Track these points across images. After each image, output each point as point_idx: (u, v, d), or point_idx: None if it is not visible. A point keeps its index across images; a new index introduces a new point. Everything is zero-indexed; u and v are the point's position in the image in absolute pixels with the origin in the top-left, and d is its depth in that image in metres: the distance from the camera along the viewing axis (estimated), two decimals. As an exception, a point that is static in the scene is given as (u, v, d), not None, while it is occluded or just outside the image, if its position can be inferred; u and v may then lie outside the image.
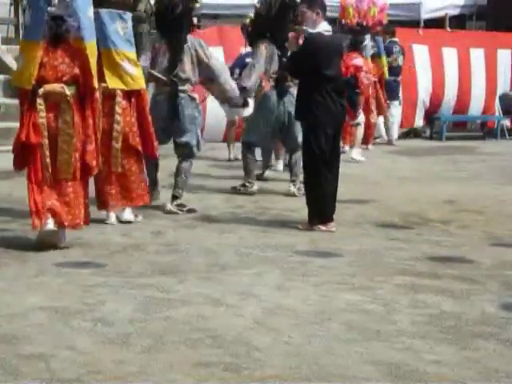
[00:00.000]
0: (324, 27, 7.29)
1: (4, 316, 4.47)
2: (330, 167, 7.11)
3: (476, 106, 16.98)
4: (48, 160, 6.06)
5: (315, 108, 7.07)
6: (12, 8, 15.36)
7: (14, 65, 12.85)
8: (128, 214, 7.16)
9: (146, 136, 7.10)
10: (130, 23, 7.08)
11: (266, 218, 7.60)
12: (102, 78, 6.73)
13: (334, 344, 4.16)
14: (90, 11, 6.14)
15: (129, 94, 7.00)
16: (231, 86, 8.14)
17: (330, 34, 7.41)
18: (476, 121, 17.77)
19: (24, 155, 6.13)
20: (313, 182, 7.14)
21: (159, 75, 7.76)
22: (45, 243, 6.10)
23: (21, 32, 14.61)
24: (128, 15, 7.08)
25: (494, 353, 4.12)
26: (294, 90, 8.25)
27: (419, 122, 16.46)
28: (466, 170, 11.53)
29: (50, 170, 6.07)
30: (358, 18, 14.30)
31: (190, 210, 7.73)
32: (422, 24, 17.02)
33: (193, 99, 7.82)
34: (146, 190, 7.23)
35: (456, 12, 17.86)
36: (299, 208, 8.03)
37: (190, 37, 7.89)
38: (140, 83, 7.04)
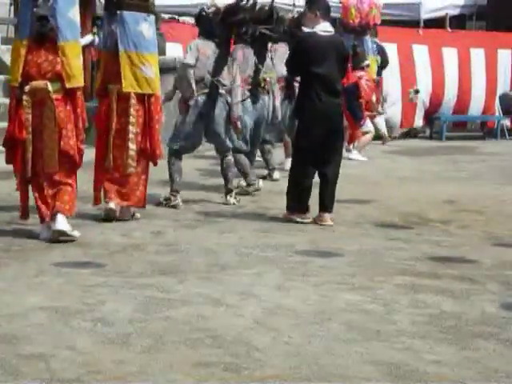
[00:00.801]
0: (323, 27, 7.35)
1: (4, 316, 4.47)
2: (316, 163, 7.33)
3: (476, 106, 16.99)
4: (29, 155, 6.28)
5: (304, 105, 7.33)
6: (12, 8, 15.38)
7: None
8: (126, 214, 7.24)
9: (152, 140, 7.17)
10: (153, 26, 7.25)
11: (265, 217, 7.60)
12: (117, 79, 6.97)
13: (334, 344, 4.16)
14: (72, 12, 6.32)
15: (143, 97, 7.09)
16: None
17: (330, 34, 7.42)
18: (476, 121, 17.78)
19: (12, 150, 6.40)
20: (295, 173, 7.43)
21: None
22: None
23: (20, 32, 14.64)
24: (151, 18, 7.22)
25: (494, 353, 4.12)
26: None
27: (419, 122, 16.47)
28: (465, 170, 11.53)
29: (37, 164, 6.30)
30: (360, 18, 14.34)
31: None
32: (421, 24, 17.03)
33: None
34: (145, 194, 7.27)
35: (456, 12, 17.87)
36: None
37: None
38: (155, 87, 7.14)
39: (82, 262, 5.78)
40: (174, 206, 7.88)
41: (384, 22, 15.32)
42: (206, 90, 8.09)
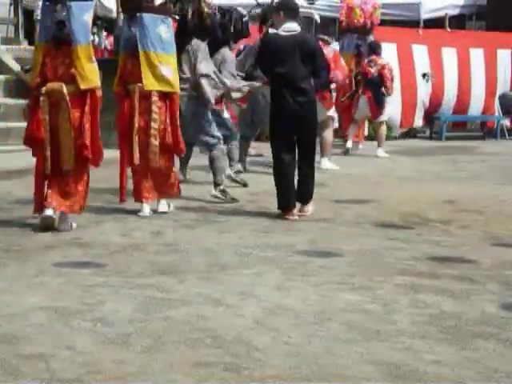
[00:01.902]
0: (286, 27, 7.56)
1: (4, 316, 4.47)
2: (289, 160, 7.54)
3: (476, 106, 17.01)
4: (48, 153, 6.62)
5: (273, 104, 7.62)
6: (12, 8, 15.38)
7: (14, 65, 12.86)
8: (163, 206, 7.63)
9: (174, 135, 7.49)
10: (171, 28, 7.56)
11: (265, 217, 7.60)
12: (139, 79, 7.31)
13: (333, 344, 4.16)
14: (86, 16, 6.61)
15: (163, 95, 7.40)
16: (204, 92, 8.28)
17: (292, 33, 7.54)
18: (476, 121, 17.79)
19: (33, 147, 6.83)
20: (274, 172, 7.69)
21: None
22: (44, 226, 6.65)
23: (20, 32, 14.65)
24: (169, 20, 7.54)
25: (493, 353, 4.12)
26: None
27: (418, 122, 16.48)
28: (465, 170, 11.54)
29: (53, 162, 6.62)
30: (364, 18, 14.42)
31: (233, 200, 8.33)
32: (421, 24, 17.05)
33: (193, 97, 8.16)
34: (178, 184, 7.69)
35: (456, 12, 17.90)
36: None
37: (194, 40, 8.21)
38: (175, 86, 7.45)
39: (82, 261, 5.78)
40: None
41: (384, 22, 15.35)
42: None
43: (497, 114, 17.18)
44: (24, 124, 11.79)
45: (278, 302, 4.87)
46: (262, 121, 9.70)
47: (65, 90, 6.55)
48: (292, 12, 7.68)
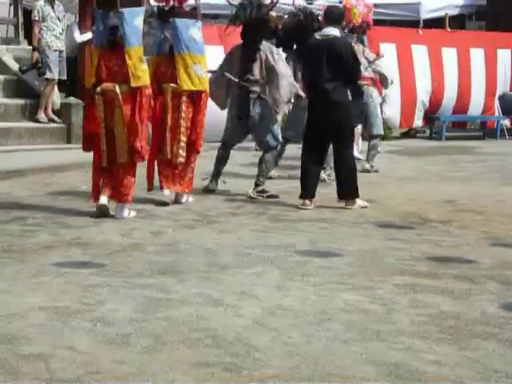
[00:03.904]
0: (323, 31, 8.20)
1: (3, 316, 4.47)
2: (313, 158, 8.13)
3: (476, 106, 16.98)
4: (104, 147, 7.26)
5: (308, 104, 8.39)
6: (12, 8, 15.37)
7: (14, 65, 12.84)
8: (184, 198, 8.20)
9: (195, 132, 8.05)
10: (201, 30, 8.11)
11: (265, 217, 7.60)
12: (171, 79, 7.93)
13: (333, 344, 4.16)
14: (137, 20, 7.22)
15: (193, 94, 7.99)
16: (280, 94, 8.57)
17: (326, 37, 8.07)
18: (476, 121, 17.77)
19: (89, 141, 7.45)
20: (301, 164, 8.27)
21: (231, 77, 8.62)
22: (100, 213, 7.31)
23: (20, 32, 14.64)
24: (199, 23, 8.12)
25: (493, 353, 4.12)
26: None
27: (418, 122, 16.46)
28: (465, 170, 11.53)
29: (108, 155, 7.24)
30: (362, 18, 14.43)
31: (272, 196, 8.61)
32: (421, 24, 17.03)
33: (262, 99, 8.57)
34: (192, 180, 8.22)
35: (455, 12, 17.87)
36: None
37: (263, 42, 8.67)
38: (205, 85, 8.07)
39: (82, 261, 5.78)
40: (210, 190, 8.76)
41: (384, 22, 15.33)
42: (238, 91, 8.63)
43: (497, 114, 17.16)
44: (23, 124, 11.92)
45: (278, 302, 4.87)
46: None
47: (118, 89, 7.14)
48: (330, 17, 8.23)
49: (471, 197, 9.08)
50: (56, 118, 12.16)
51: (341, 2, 15.01)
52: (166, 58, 7.99)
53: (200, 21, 8.17)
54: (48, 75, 11.98)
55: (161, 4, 8.14)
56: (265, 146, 8.79)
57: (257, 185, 8.65)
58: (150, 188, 8.20)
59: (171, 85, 7.91)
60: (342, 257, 6.11)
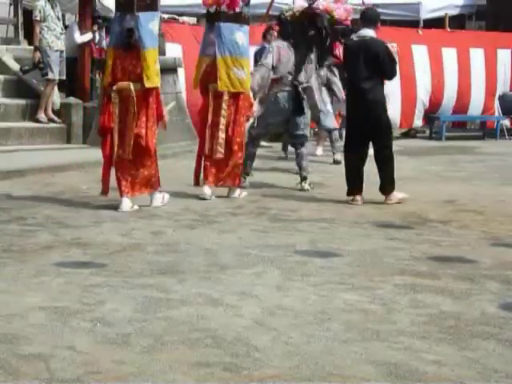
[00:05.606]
0: (359, 33, 8.54)
1: (3, 316, 4.47)
2: (355, 148, 8.51)
3: (476, 106, 16.97)
4: (116, 141, 7.62)
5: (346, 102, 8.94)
6: (12, 8, 15.38)
7: (14, 65, 12.85)
8: (233, 193, 8.60)
9: (234, 130, 8.47)
10: (247, 34, 8.54)
11: (265, 217, 7.60)
12: (214, 80, 8.38)
13: (333, 344, 4.16)
14: (152, 24, 7.55)
15: (234, 94, 8.46)
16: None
17: (362, 38, 8.44)
18: (476, 121, 17.77)
19: (102, 136, 7.79)
20: (344, 161, 8.79)
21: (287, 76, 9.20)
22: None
23: (20, 32, 14.65)
24: (245, 27, 8.53)
25: (493, 353, 4.12)
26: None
27: (418, 122, 16.46)
28: (465, 170, 11.53)
29: (121, 150, 7.62)
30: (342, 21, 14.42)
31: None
32: (421, 24, 17.03)
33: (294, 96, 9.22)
34: (239, 175, 8.68)
35: (455, 12, 17.87)
36: (299, 208, 8.05)
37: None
38: (245, 86, 8.53)
39: (82, 261, 5.78)
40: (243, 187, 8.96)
41: (384, 22, 15.30)
42: (287, 88, 9.15)
43: (497, 114, 17.16)
44: (23, 124, 11.92)
45: (278, 302, 4.87)
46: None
47: (132, 87, 7.53)
48: (366, 19, 8.54)
49: (471, 197, 9.07)
50: (56, 118, 12.17)
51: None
52: (212, 59, 8.44)
53: (246, 25, 8.54)
54: (49, 75, 11.99)
55: (211, 9, 8.49)
56: (301, 141, 9.31)
57: (305, 178, 9.22)
58: (197, 183, 8.61)
59: (214, 85, 8.41)
60: (342, 257, 6.11)
